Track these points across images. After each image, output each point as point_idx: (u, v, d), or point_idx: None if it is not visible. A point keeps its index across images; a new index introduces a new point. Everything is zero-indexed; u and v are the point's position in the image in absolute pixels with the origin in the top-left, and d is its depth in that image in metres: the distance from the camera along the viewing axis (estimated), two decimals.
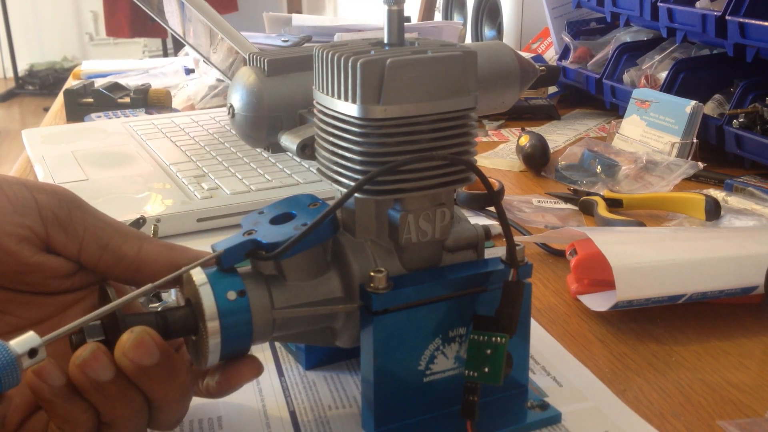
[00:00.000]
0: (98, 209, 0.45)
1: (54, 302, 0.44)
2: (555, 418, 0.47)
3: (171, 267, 0.43)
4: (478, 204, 0.81)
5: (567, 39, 1.28)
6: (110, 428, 0.40)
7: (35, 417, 0.41)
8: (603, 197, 0.82)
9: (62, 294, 0.44)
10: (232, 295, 0.42)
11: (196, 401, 0.45)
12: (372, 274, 0.43)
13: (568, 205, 0.84)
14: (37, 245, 0.42)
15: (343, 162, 0.44)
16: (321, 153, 0.47)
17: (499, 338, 0.44)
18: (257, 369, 0.43)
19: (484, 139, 1.11)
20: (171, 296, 0.57)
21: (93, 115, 1.18)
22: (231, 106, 0.56)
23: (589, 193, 0.84)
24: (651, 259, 0.58)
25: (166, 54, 4.57)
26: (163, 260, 0.44)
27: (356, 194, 0.43)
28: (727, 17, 0.92)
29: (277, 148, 0.55)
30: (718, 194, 0.82)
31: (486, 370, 0.43)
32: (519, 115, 1.20)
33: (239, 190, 0.79)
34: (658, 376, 0.53)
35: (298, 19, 1.48)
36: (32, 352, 0.36)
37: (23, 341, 0.36)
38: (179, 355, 0.44)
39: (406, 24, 0.79)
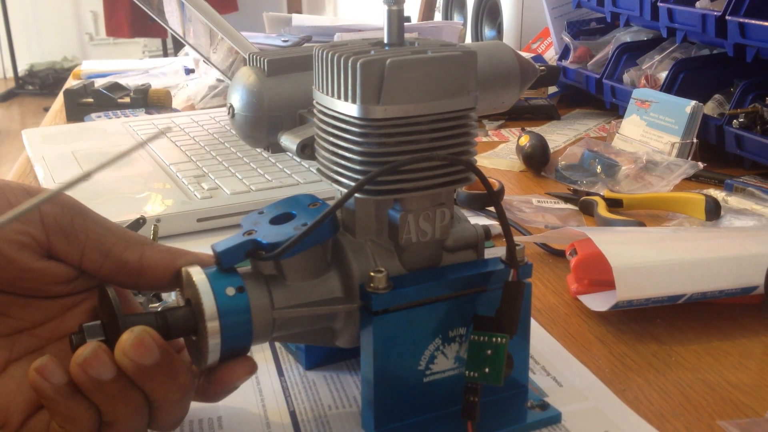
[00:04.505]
0: (99, 212, 0.45)
1: (55, 305, 0.44)
2: (555, 418, 0.47)
3: (173, 272, 0.44)
4: (478, 204, 0.81)
5: (567, 39, 1.28)
6: (111, 427, 0.40)
7: (37, 416, 0.41)
8: (603, 197, 0.82)
9: (63, 297, 0.44)
10: (230, 291, 0.42)
11: (196, 401, 0.45)
12: (372, 274, 0.43)
13: (568, 205, 0.84)
14: (38, 252, 0.42)
15: (343, 162, 0.44)
16: (321, 153, 0.47)
17: (499, 338, 0.44)
18: (250, 367, 0.43)
19: (484, 139, 1.11)
20: (171, 297, 0.57)
21: (93, 115, 1.18)
22: (231, 106, 0.56)
23: (589, 193, 0.84)
24: (651, 259, 0.58)
25: (166, 54, 4.57)
26: (164, 265, 0.44)
27: (356, 194, 0.43)
28: (727, 17, 0.92)
29: (277, 148, 0.55)
30: (718, 194, 0.82)
31: (486, 370, 0.43)
32: (519, 115, 1.20)
33: (239, 190, 0.79)
34: (658, 376, 0.53)
35: (298, 19, 1.48)
36: None
37: None
38: (179, 356, 0.44)
39: (406, 24, 0.79)
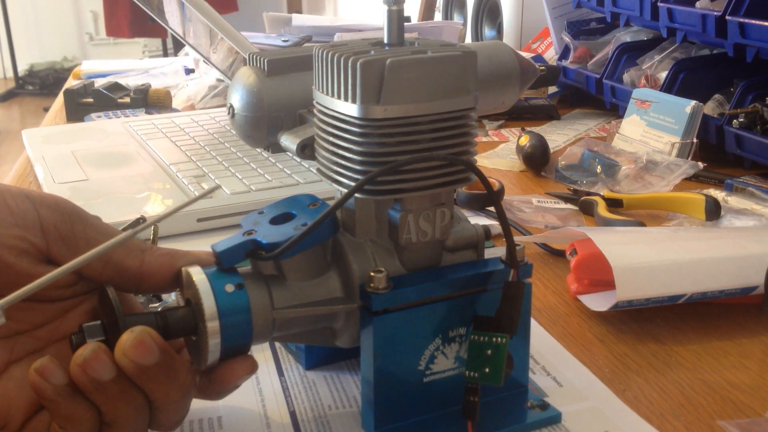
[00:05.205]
0: (99, 213, 0.45)
1: (55, 307, 0.44)
2: (555, 418, 0.47)
3: (173, 275, 0.44)
4: (478, 204, 0.81)
5: (567, 39, 1.28)
6: (111, 428, 0.40)
7: (37, 417, 0.41)
8: (603, 197, 0.82)
9: (63, 300, 0.44)
10: (230, 287, 0.42)
11: (196, 401, 0.45)
12: (372, 274, 0.43)
13: (568, 205, 0.84)
14: (37, 258, 0.42)
15: (343, 162, 0.44)
16: (321, 153, 0.47)
17: (499, 339, 0.44)
18: (251, 367, 0.43)
19: (484, 139, 1.11)
20: (171, 297, 0.57)
21: (93, 115, 1.18)
22: (231, 106, 0.56)
23: (589, 193, 0.84)
24: (651, 259, 0.58)
25: (166, 54, 4.57)
26: (165, 270, 0.44)
27: (356, 194, 0.43)
28: (727, 17, 0.92)
29: (277, 148, 0.55)
30: (718, 194, 0.82)
31: (486, 370, 0.43)
32: (519, 115, 1.20)
33: (239, 190, 0.79)
34: (658, 376, 0.53)
35: (298, 19, 1.48)
36: None
37: None
38: (179, 356, 0.44)
39: (406, 24, 0.79)
